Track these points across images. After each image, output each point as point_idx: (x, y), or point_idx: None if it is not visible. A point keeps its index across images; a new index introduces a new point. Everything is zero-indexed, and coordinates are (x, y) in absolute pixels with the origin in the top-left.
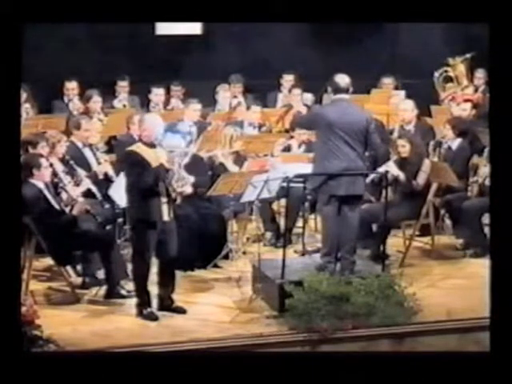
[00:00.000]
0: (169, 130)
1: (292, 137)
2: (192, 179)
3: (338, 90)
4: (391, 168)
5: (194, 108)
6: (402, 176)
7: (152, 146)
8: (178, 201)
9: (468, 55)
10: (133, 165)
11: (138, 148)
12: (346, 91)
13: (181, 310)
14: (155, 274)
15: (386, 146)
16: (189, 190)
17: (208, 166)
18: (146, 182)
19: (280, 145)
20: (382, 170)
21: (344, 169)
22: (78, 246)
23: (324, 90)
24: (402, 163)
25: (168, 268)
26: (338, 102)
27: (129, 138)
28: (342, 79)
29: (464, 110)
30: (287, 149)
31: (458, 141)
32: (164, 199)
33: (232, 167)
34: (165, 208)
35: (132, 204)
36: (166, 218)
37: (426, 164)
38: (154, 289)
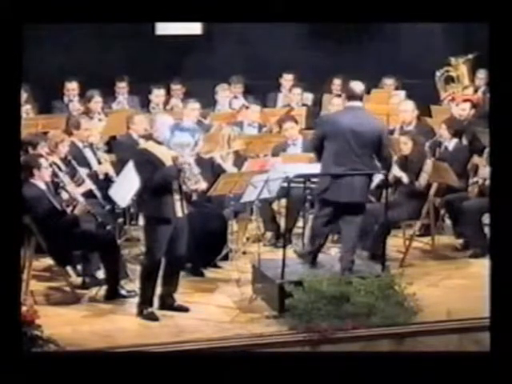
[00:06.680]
0: (176, 129)
1: None
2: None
3: (352, 96)
4: (394, 169)
5: (192, 107)
6: (405, 178)
7: (163, 144)
8: (194, 197)
9: (470, 56)
10: (146, 163)
11: (150, 146)
12: (360, 98)
13: (183, 309)
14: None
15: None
16: (203, 186)
17: (209, 166)
18: (160, 179)
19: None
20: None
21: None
22: (78, 246)
23: (322, 91)
24: (402, 162)
25: (175, 266)
26: (351, 109)
27: (128, 138)
28: (357, 85)
29: (463, 110)
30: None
31: (454, 141)
32: (177, 196)
33: (230, 168)
34: (178, 205)
35: (145, 201)
36: (179, 214)
37: (428, 164)
38: (156, 288)
